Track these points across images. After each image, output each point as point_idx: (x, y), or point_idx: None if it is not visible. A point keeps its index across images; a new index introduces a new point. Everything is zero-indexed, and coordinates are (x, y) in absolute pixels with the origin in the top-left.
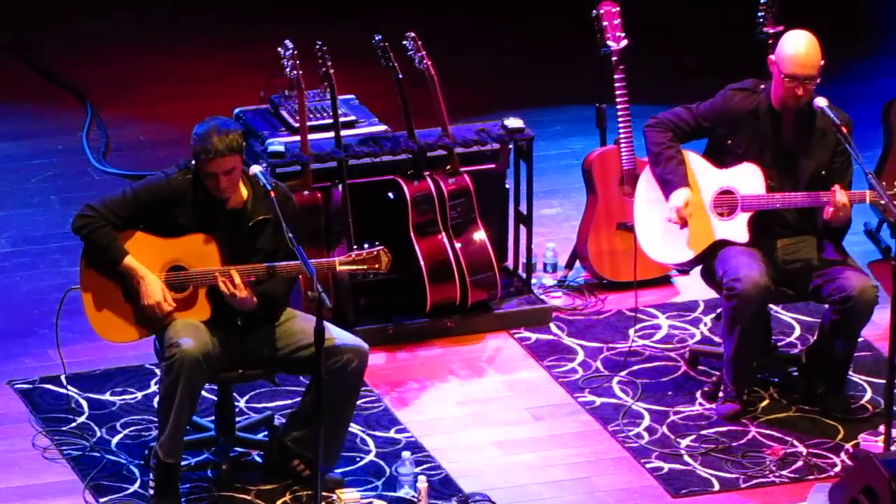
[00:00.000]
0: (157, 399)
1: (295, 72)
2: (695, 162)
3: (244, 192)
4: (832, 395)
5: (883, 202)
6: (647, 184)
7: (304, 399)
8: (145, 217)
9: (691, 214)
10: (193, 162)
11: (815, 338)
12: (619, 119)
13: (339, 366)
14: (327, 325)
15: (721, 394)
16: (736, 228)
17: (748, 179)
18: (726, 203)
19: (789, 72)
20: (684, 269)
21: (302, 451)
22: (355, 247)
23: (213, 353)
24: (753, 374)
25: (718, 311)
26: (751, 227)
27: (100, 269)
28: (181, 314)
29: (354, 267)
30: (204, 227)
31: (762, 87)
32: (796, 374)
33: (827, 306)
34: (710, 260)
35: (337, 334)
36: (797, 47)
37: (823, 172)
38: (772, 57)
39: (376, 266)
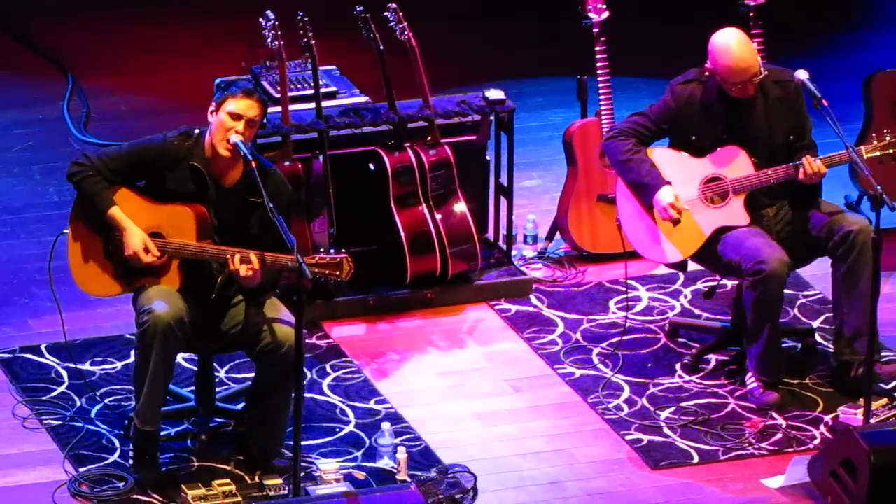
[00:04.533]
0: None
1: (276, 42)
2: (671, 156)
3: (238, 170)
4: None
5: (865, 174)
6: (626, 194)
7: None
8: (136, 175)
9: (683, 209)
10: (196, 130)
11: (834, 317)
12: (600, 91)
13: (270, 349)
14: (276, 302)
15: (754, 382)
16: (734, 212)
17: (734, 162)
18: (716, 190)
19: (736, 80)
20: (680, 266)
21: (246, 430)
22: (322, 250)
23: (186, 319)
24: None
25: (702, 285)
26: (747, 207)
27: (87, 220)
28: (154, 280)
29: (316, 270)
30: (192, 197)
31: (707, 74)
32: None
33: (832, 264)
34: (713, 247)
35: (278, 314)
36: (732, 54)
37: (792, 137)
38: (708, 65)
39: (337, 273)
